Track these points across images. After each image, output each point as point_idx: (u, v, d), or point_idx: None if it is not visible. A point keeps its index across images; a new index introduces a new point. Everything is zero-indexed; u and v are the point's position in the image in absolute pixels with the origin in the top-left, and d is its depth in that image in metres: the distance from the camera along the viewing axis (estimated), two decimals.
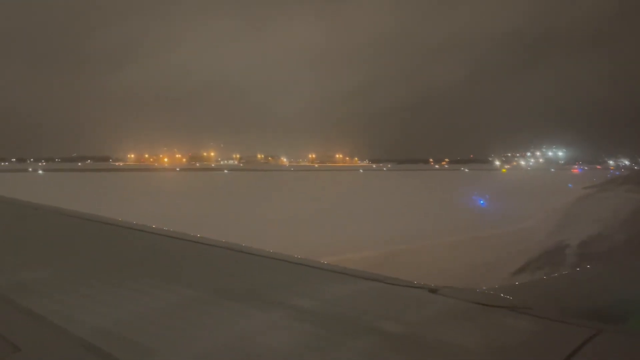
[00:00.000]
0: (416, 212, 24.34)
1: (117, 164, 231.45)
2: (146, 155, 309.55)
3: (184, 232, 3.05)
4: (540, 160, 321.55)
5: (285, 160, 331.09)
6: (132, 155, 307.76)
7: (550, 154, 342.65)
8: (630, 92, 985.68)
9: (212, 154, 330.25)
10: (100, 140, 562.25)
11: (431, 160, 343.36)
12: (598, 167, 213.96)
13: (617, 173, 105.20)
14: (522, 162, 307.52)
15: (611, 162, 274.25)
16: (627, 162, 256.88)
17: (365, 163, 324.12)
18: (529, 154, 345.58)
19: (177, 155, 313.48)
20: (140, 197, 33.47)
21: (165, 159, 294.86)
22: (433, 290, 1.72)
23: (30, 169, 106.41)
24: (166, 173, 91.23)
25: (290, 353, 1.24)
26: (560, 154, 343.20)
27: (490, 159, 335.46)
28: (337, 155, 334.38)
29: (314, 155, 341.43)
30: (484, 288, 1.85)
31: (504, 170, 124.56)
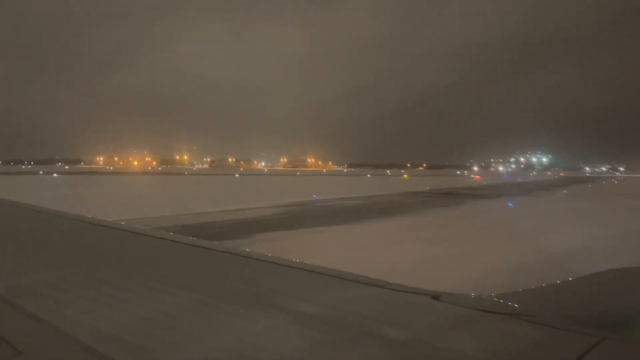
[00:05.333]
0: None
1: (66, 167, 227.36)
2: (115, 159, 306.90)
3: (187, 237, 3.08)
4: (522, 166, 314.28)
5: (258, 164, 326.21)
6: (101, 158, 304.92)
7: (534, 159, 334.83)
8: (618, 101, 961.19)
9: (185, 157, 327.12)
10: (77, 143, 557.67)
11: (409, 164, 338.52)
12: (548, 173, 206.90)
13: (519, 180, 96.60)
14: (501, 168, 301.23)
15: (587, 169, 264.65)
16: (603, 169, 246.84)
17: (342, 167, 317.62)
18: (512, 159, 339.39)
19: (147, 159, 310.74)
20: None
21: (135, 162, 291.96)
22: (435, 297, 1.70)
23: None
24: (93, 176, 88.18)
25: (293, 358, 1.24)
26: (544, 159, 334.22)
27: (467, 164, 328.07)
28: (309, 160, 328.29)
29: (285, 159, 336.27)
30: (487, 295, 1.83)
31: (405, 176, 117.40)
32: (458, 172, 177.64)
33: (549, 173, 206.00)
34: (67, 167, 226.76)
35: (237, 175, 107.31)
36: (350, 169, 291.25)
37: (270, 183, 71.79)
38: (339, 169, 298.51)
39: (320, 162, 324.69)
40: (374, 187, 58.21)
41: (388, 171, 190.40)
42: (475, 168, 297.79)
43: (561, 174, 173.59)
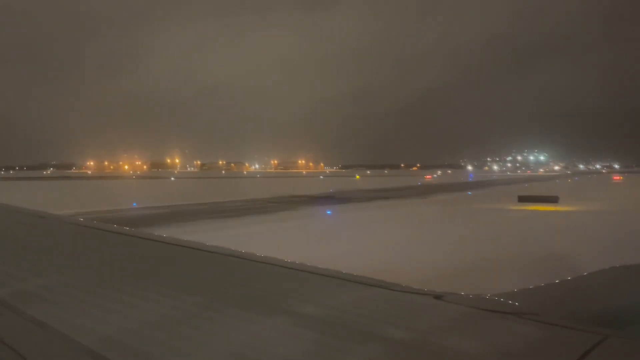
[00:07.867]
0: None
1: (45, 172, 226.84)
2: (105, 163, 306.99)
3: (189, 240, 3.09)
4: (517, 164, 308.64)
5: (249, 166, 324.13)
6: (91, 163, 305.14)
7: (531, 158, 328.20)
8: (616, 100, 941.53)
9: (177, 160, 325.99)
10: (72, 148, 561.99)
11: (402, 165, 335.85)
12: (529, 172, 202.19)
13: (470, 179, 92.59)
14: (495, 167, 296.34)
15: (581, 166, 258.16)
16: (597, 166, 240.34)
17: (328, 169, 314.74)
18: (509, 158, 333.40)
19: (137, 162, 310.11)
20: None
21: (126, 166, 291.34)
22: (438, 297, 1.71)
23: None
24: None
25: None
26: (541, 157, 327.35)
27: (462, 163, 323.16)
28: (300, 162, 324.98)
29: (275, 162, 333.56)
30: (490, 294, 1.83)
31: (357, 177, 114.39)
32: (439, 172, 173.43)
33: (529, 172, 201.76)
34: (47, 172, 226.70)
35: (172, 178, 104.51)
36: (341, 170, 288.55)
37: (169, 187, 69.04)
38: (331, 170, 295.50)
39: (311, 164, 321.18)
40: (276, 190, 54.90)
41: (368, 171, 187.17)
42: (469, 167, 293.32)
43: (540, 172, 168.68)
